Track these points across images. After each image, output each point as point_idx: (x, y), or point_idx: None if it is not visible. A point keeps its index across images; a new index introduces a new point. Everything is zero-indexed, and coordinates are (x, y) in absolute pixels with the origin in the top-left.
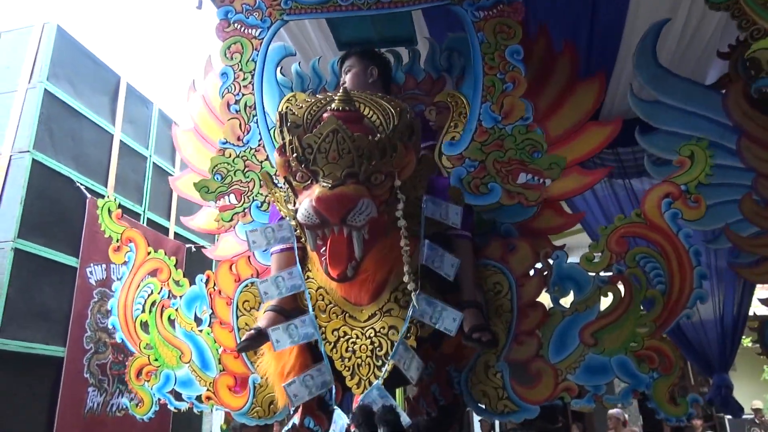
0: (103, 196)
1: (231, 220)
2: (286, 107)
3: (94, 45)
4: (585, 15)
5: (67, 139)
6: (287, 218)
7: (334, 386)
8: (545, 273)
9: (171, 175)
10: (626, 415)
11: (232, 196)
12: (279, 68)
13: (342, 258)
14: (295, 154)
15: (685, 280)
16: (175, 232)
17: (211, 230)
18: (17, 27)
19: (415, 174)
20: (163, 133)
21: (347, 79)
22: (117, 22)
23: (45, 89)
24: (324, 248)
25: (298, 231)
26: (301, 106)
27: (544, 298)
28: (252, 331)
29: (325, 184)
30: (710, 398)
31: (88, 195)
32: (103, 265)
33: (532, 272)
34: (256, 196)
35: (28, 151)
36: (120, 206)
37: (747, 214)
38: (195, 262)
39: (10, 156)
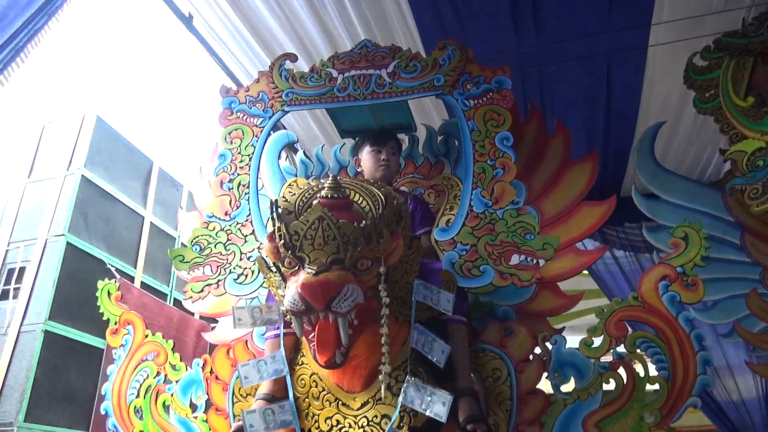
0: (132, 278)
1: (201, 291)
2: (281, 196)
3: (128, 131)
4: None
5: (100, 222)
6: (277, 302)
7: None
8: (545, 358)
9: None
10: None
11: (207, 267)
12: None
13: (329, 344)
14: (282, 241)
15: (688, 365)
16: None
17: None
18: (59, 117)
19: (405, 259)
20: None
21: (392, 162)
22: (150, 108)
23: (82, 175)
24: (312, 334)
25: (288, 317)
26: (293, 193)
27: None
28: (239, 422)
29: (309, 271)
30: None
31: (118, 276)
32: None
33: (531, 357)
34: (234, 268)
35: (63, 235)
36: (127, 287)
37: (754, 310)
38: None
39: (46, 240)
